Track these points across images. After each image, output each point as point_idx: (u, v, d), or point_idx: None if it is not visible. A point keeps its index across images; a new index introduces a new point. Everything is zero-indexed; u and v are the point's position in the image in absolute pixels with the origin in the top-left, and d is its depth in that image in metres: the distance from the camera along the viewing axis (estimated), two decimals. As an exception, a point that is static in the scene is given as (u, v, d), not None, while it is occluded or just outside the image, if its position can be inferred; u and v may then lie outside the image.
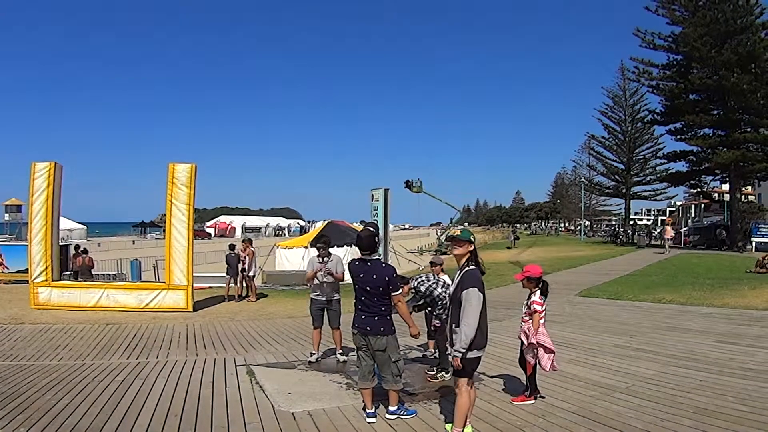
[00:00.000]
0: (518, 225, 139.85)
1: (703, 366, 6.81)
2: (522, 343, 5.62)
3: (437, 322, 7.00)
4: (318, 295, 7.72)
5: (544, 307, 5.56)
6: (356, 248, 5.51)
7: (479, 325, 4.29)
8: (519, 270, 5.86)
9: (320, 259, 7.71)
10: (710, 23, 31.95)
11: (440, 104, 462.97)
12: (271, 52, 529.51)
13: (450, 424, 4.73)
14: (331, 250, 8.01)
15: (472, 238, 4.53)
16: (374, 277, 5.09)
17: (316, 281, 7.72)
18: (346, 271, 6.80)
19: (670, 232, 35.11)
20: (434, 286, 6.96)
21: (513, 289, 14.14)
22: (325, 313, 7.76)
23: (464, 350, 4.26)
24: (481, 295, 4.31)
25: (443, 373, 6.76)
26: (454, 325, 4.39)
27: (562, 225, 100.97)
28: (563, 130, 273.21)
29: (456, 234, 4.56)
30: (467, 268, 4.45)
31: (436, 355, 7.35)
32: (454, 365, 4.38)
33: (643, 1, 35.33)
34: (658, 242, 38.82)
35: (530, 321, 5.53)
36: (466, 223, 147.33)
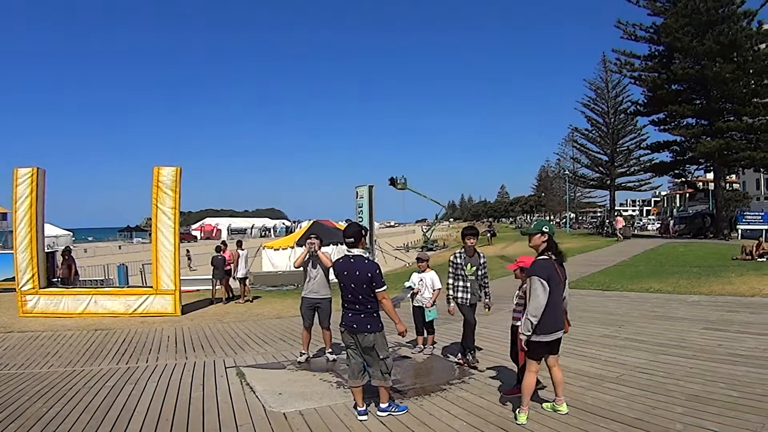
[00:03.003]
0: (504, 219, 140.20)
1: (692, 353, 6.86)
2: (512, 334, 5.61)
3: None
4: (308, 292, 7.66)
5: None
6: (343, 247, 5.49)
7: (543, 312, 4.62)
8: (509, 263, 5.86)
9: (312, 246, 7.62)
10: (692, 13, 32.13)
11: (424, 100, 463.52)
12: (253, 51, 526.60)
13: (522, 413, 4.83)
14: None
15: (544, 229, 4.89)
16: (357, 273, 5.08)
17: (307, 278, 7.67)
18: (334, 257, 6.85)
19: (621, 222, 38.25)
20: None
21: (501, 284, 14.17)
22: (315, 313, 7.71)
23: (527, 334, 4.64)
24: (543, 282, 4.61)
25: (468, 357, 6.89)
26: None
27: (548, 218, 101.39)
28: (547, 123, 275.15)
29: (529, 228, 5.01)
30: (539, 257, 4.86)
31: (426, 351, 7.41)
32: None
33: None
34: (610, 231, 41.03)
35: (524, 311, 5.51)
36: (451, 219, 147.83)
